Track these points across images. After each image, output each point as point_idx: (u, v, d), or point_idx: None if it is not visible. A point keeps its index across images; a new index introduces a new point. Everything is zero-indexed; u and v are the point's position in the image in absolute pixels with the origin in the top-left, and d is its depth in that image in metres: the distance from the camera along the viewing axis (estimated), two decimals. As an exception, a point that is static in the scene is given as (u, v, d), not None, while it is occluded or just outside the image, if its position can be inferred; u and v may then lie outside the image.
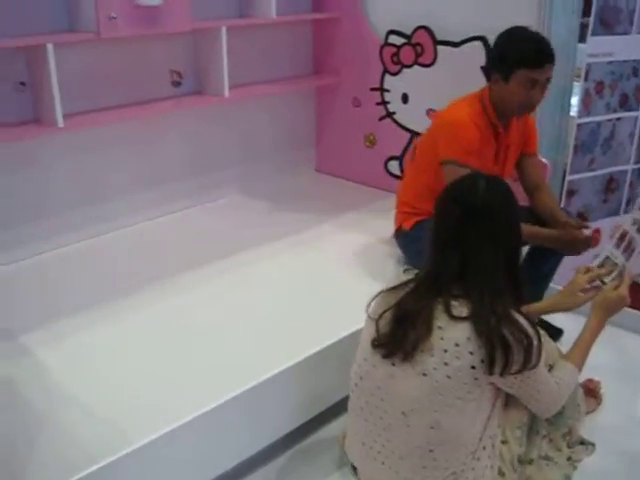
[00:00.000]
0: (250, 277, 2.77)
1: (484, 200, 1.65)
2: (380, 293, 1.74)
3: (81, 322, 2.44)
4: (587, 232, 2.56)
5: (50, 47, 2.63)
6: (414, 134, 3.47)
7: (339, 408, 2.21)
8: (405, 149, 3.53)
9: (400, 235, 2.80)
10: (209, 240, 3.13)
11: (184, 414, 1.88)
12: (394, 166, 3.62)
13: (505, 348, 1.56)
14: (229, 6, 3.42)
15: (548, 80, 2.47)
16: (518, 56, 2.43)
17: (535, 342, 1.60)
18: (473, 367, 1.58)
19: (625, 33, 2.98)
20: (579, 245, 2.49)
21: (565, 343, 2.60)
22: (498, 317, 1.56)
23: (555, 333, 2.73)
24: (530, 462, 1.90)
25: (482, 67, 2.51)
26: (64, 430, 1.90)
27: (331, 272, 2.79)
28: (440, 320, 1.60)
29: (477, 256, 1.62)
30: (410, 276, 1.74)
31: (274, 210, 3.47)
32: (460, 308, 1.59)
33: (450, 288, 1.62)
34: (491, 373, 1.58)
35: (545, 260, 2.65)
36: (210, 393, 1.96)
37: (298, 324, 2.38)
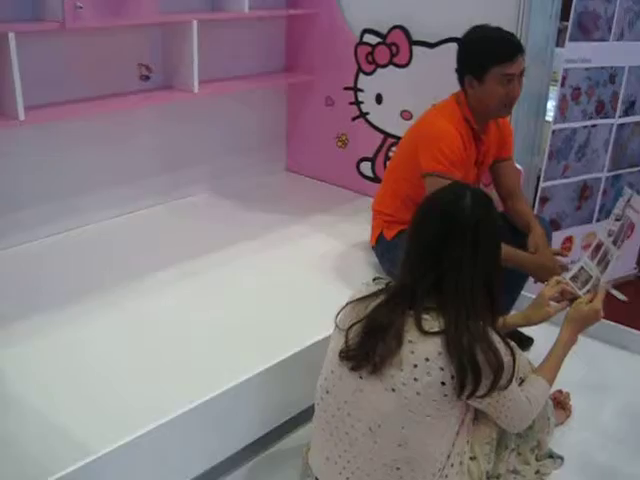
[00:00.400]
0: (217, 279, 2.69)
1: (469, 214, 1.58)
2: (349, 303, 1.68)
3: (42, 320, 2.35)
4: (563, 260, 2.47)
5: (12, 36, 2.52)
6: (387, 135, 3.41)
7: (306, 416, 2.14)
8: (378, 150, 3.48)
9: (380, 243, 2.71)
10: (177, 239, 3.05)
11: (148, 420, 1.80)
12: (366, 167, 3.56)
13: (476, 372, 1.50)
14: (202, -1, 3.34)
15: (522, 73, 2.42)
16: (488, 54, 2.37)
17: (506, 365, 1.55)
18: (443, 383, 1.52)
19: (603, 40, 2.95)
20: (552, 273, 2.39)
21: (534, 352, 2.60)
22: (472, 335, 1.51)
23: (525, 342, 2.70)
24: (498, 477, 1.87)
25: (455, 70, 2.46)
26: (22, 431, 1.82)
27: (300, 276, 2.72)
28: (411, 334, 1.54)
29: (456, 270, 1.56)
30: (380, 286, 1.68)
31: (244, 210, 3.39)
32: (432, 322, 1.54)
33: (423, 301, 1.57)
34: (460, 395, 1.53)
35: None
36: (175, 399, 1.89)
37: (265, 330, 2.30)
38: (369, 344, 1.57)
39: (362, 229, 2.77)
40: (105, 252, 2.94)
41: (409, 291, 1.58)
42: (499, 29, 2.43)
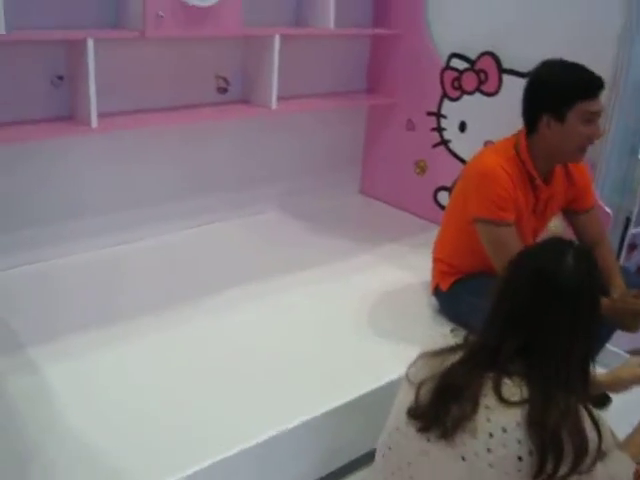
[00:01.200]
0: (280, 304, 2.57)
1: (571, 276, 1.40)
2: (422, 355, 1.53)
3: (93, 337, 2.28)
4: None
5: (90, 42, 2.47)
6: (468, 165, 3.25)
7: (358, 464, 2.03)
8: (457, 180, 3.31)
9: (437, 295, 2.55)
10: (243, 257, 2.96)
11: (189, 465, 1.69)
12: (443, 197, 3.39)
13: (558, 452, 1.32)
14: (285, 13, 3.24)
15: (601, 113, 2.20)
16: (572, 88, 2.15)
17: (591, 445, 1.36)
18: (520, 458, 1.35)
19: None
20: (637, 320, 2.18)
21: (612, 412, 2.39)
22: (561, 412, 1.33)
23: (603, 400, 2.49)
24: None
25: (524, 110, 2.27)
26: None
27: (362, 313, 2.54)
28: (489, 399, 1.38)
29: (550, 335, 1.38)
30: (459, 340, 1.52)
31: (312, 232, 3.27)
32: (514, 389, 1.37)
33: (506, 364, 1.40)
34: (536, 477, 1.36)
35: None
36: (220, 442, 1.78)
37: (319, 372, 2.16)
38: (441, 405, 1.41)
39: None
40: (170, 265, 2.87)
41: (491, 351, 1.41)
42: (576, 64, 2.20)
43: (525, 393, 1.36)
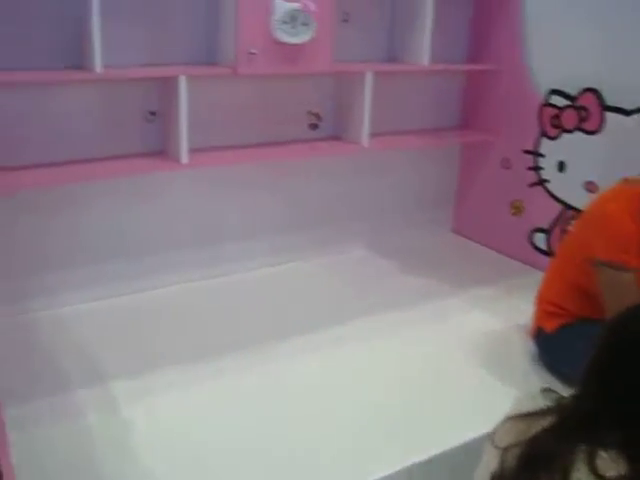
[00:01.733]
0: (361, 349, 2.48)
1: None
2: (509, 418, 1.42)
3: (175, 375, 2.25)
4: None
5: (182, 79, 2.49)
6: (567, 207, 3.09)
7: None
8: (555, 222, 3.16)
9: (540, 337, 2.38)
10: (326, 299, 2.89)
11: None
12: (540, 239, 3.24)
13: None
14: (377, 48, 3.20)
15: None
16: None
17: None
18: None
19: None
20: None
21: None
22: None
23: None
24: None
25: None
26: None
27: (453, 359, 2.42)
28: (581, 472, 1.25)
29: None
30: (550, 402, 1.40)
31: (400, 272, 3.18)
32: (610, 464, 1.24)
33: (604, 434, 1.27)
34: None
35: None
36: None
37: (402, 423, 2.05)
38: (528, 474, 1.30)
39: (527, 308, 2.46)
40: (253, 303, 2.83)
41: (587, 418, 1.29)
42: None
43: (623, 469, 1.23)
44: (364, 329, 2.62)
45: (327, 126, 3.16)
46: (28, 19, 2.40)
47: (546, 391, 1.46)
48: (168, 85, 2.58)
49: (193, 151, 2.63)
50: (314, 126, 3.14)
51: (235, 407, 2.10)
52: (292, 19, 2.62)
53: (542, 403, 1.41)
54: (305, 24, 2.65)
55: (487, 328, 2.64)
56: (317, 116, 3.13)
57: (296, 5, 2.60)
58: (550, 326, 2.32)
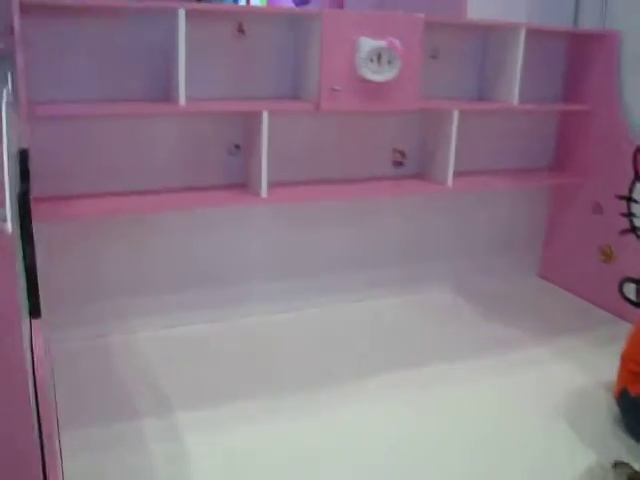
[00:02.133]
0: (437, 396, 2.39)
1: None
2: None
3: (242, 409, 2.25)
4: None
5: (265, 114, 2.50)
6: (661, 257, 2.94)
7: None
8: (647, 272, 3.01)
9: (624, 398, 2.22)
10: (404, 340, 2.83)
11: None
12: (630, 290, 3.07)
13: None
14: (466, 85, 3.14)
15: None
16: None
17: None
18: None
19: None
20: None
21: None
22: None
23: None
24: None
25: None
26: None
27: (526, 417, 2.29)
28: None
29: None
30: (622, 476, 1.31)
31: (481, 316, 3.08)
32: None
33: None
34: None
35: None
36: None
37: (479, 473, 1.96)
38: None
39: (614, 364, 2.32)
40: (329, 340, 2.80)
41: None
42: None
43: None
44: (442, 372, 2.56)
45: (412, 164, 3.11)
46: (117, 52, 2.48)
47: (619, 465, 1.37)
48: (252, 119, 2.60)
49: (274, 185, 2.64)
50: (399, 164, 3.09)
51: (304, 445, 2.07)
52: (377, 57, 2.60)
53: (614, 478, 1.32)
54: (390, 62, 2.62)
55: (568, 382, 2.51)
56: (402, 154, 3.09)
57: (382, 43, 2.58)
58: (635, 389, 2.17)
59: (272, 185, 2.62)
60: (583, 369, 2.61)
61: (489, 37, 3.11)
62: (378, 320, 3.02)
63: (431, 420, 2.26)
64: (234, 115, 2.69)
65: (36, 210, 2.25)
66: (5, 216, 1.11)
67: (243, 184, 2.74)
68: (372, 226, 3.13)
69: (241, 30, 2.65)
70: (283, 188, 2.72)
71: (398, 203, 3.14)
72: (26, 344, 1.26)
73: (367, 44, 2.57)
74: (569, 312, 3.19)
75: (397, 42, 2.59)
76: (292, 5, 4.86)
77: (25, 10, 2.16)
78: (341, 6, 4.23)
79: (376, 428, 2.19)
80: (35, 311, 1.45)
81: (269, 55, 2.71)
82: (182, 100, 2.38)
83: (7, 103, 1.52)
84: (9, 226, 1.09)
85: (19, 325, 1.12)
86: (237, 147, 2.74)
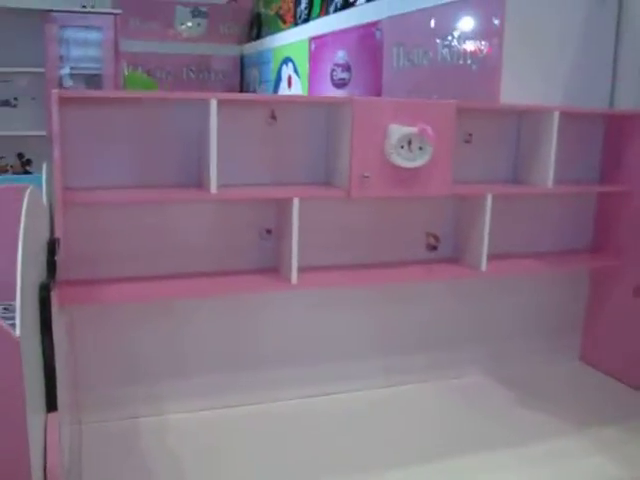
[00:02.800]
0: None
1: None
2: None
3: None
4: None
5: (296, 201, 2.52)
6: None
7: None
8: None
9: None
10: (435, 427, 2.76)
11: None
12: (675, 377, 2.99)
13: None
14: (500, 169, 3.14)
15: None
16: None
17: None
18: None
19: None
20: None
21: None
22: None
23: None
24: None
25: None
26: None
27: None
28: None
29: None
30: None
31: (518, 403, 2.98)
32: None
33: None
34: None
35: None
36: None
37: None
38: None
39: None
40: (356, 426, 2.74)
41: None
42: None
43: None
44: (474, 464, 2.47)
45: (446, 248, 3.09)
46: (151, 140, 2.55)
47: None
48: (283, 205, 2.63)
49: (305, 269, 2.64)
50: (432, 247, 3.07)
51: None
52: (408, 143, 2.61)
53: None
54: (422, 148, 2.64)
55: (607, 477, 2.41)
56: (436, 237, 3.07)
57: (412, 129, 2.60)
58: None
59: (303, 269, 2.62)
60: (623, 463, 2.49)
61: (523, 120, 3.12)
62: (409, 405, 2.95)
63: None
64: (267, 201, 2.72)
65: (67, 293, 2.30)
66: (14, 316, 1.13)
67: (275, 268, 2.75)
68: (401, 310, 3.08)
69: (273, 117, 2.71)
70: (314, 273, 2.73)
71: (432, 286, 3.11)
72: (37, 437, 1.27)
73: (397, 131, 2.59)
74: (610, 399, 3.07)
75: (429, 128, 2.61)
76: (333, 89, 4.97)
77: (63, 103, 2.24)
78: (379, 91, 4.31)
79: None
80: (51, 405, 1.46)
81: (301, 141, 2.76)
82: (213, 187, 2.42)
83: (35, 194, 1.56)
84: (17, 330, 1.10)
85: (25, 425, 1.13)
86: (269, 232, 2.76)
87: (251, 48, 7.53)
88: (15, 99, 5.20)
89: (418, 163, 2.65)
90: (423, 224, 3.05)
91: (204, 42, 7.69)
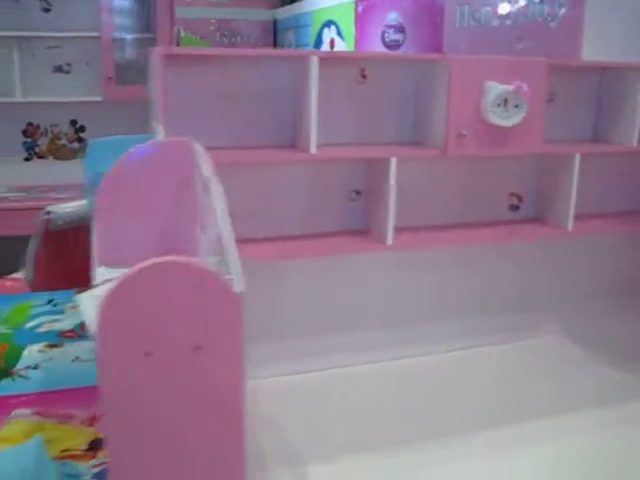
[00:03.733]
0: (542, 454, 2.24)
1: None
2: None
3: (364, 464, 2.17)
4: None
5: (393, 161, 2.48)
6: None
7: None
8: None
9: None
10: (515, 388, 2.71)
11: None
12: None
13: None
14: (582, 128, 3.08)
15: None
16: None
17: None
18: None
19: None
20: None
21: None
22: None
23: None
24: None
25: None
26: None
27: None
28: None
29: None
30: None
31: (598, 362, 2.93)
32: None
33: None
34: None
35: None
36: None
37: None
38: None
39: None
40: (437, 388, 2.71)
41: None
42: None
43: None
44: (556, 425, 2.41)
45: (528, 208, 3.05)
46: (245, 99, 2.50)
47: None
48: (376, 165, 2.58)
49: (395, 231, 2.60)
50: (515, 208, 3.03)
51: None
52: (504, 101, 2.56)
53: None
54: (517, 106, 2.59)
55: None
56: (518, 197, 3.03)
57: (509, 87, 2.55)
58: None
59: (394, 232, 2.59)
60: None
61: (605, 78, 3.06)
62: (487, 366, 2.90)
63: (552, 470, 2.15)
64: (356, 161, 2.68)
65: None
66: (229, 269, 1.11)
67: (364, 230, 2.71)
68: (483, 270, 3.05)
69: (364, 75, 2.65)
70: (405, 234, 2.69)
71: (512, 247, 3.06)
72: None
73: (495, 89, 2.54)
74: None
75: (524, 86, 2.56)
76: (382, 47, 4.88)
77: (166, 61, 2.20)
78: (440, 50, 4.22)
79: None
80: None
81: (390, 100, 2.71)
82: (313, 148, 2.37)
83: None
84: (239, 284, 1.08)
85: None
86: (357, 193, 2.73)
87: (285, 12, 7.42)
88: (68, 65, 5.12)
89: (514, 121, 2.60)
90: (506, 184, 3.01)
91: (234, 6, 7.59)
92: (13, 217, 4.43)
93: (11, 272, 4.32)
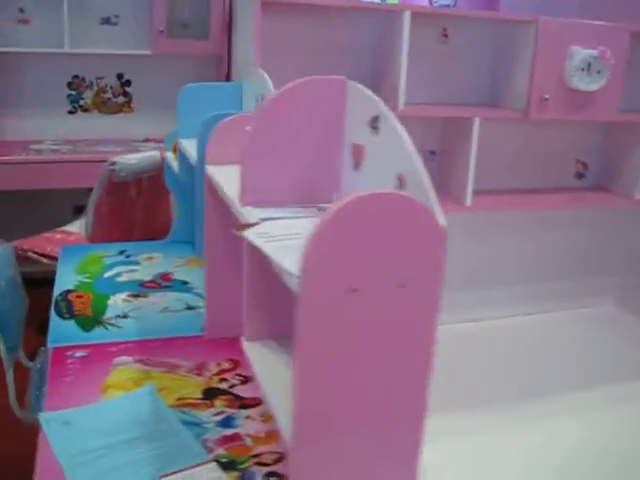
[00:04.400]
0: (595, 423, 2.27)
1: None
2: None
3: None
4: None
5: (477, 121, 2.49)
6: None
7: None
8: None
9: None
10: (573, 356, 2.75)
11: None
12: None
13: None
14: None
15: None
16: None
17: None
18: None
19: None
20: None
21: None
22: None
23: None
24: None
25: None
26: None
27: None
28: None
29: None
30: None
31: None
32: None
33: None
34: None
35: None
36: None
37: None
38: None
39: None
40: (498, 353, 2.75)
41: None
42: None
43: None
44: (616, 394, 2.47)
45: (593, 176, 3.06)
46: (334, 52, 2.50)
47: None
48: (455, 125, 2.59)
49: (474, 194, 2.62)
50: (580, 175, 3.04)
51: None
52: (587, 66, 2.56)
53: None
54: (599, 71, 2.59)
55: None
56: (584, 165, 3.03)
57: (594, 52, 2.54)
58: None
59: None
60: None
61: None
62: (542, 334, 2.94)
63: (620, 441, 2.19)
64: (432, 121, 2.68)
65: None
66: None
67: (439, 191, 2.71)
68: (543, 238, 3.06)
69: (445, 35, 2.65)
70: (483, 196, 2.69)
71: (574, 215, 3.08)
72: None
73: (580, 53, 2.53)
74: None
75: (608, 51, 2.55)
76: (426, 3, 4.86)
77: (263, 9, 2.20)
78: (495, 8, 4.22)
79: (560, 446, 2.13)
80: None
81: (470, 61, 2.70)
82: (401, 104, 2.38)
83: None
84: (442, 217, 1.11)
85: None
86: (432, 153, 2.73)
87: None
88: (116, 17, 5.08)
89: (596, 86, 2.60)
90: (573, 151, 3.01)
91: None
92: (64, 170, 4.41)
93: (59, 225, 4.35)
